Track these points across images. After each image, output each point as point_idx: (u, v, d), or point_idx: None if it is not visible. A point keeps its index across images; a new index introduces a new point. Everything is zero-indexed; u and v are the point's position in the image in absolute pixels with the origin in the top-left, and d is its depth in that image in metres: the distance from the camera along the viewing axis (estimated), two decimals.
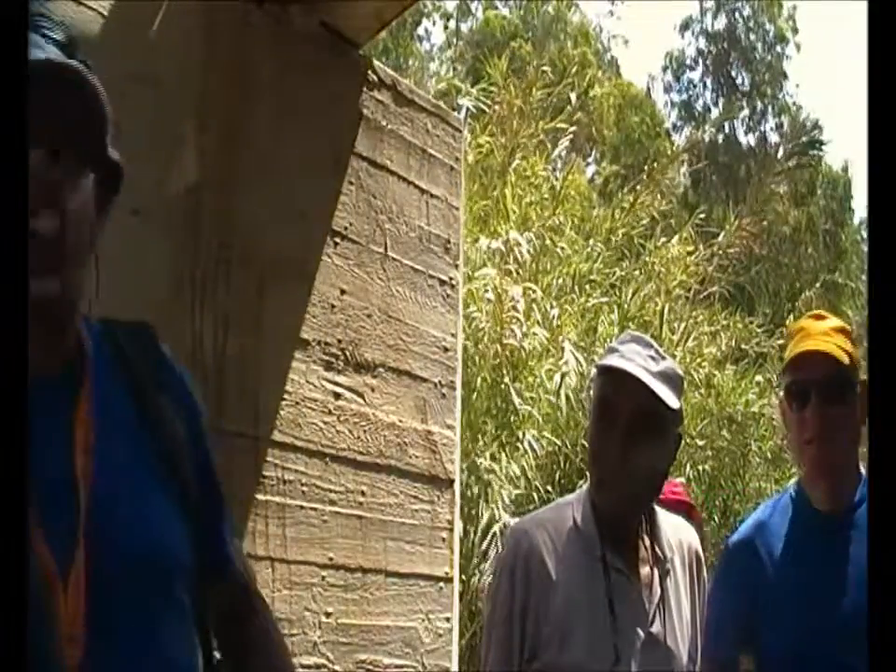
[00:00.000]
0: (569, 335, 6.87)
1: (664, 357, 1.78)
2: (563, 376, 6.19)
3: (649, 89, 19.65)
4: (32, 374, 0.98)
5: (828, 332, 1.81)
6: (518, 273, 6.57)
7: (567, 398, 6.20)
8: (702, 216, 9.84)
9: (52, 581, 0.95)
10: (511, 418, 6.09)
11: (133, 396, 1.11)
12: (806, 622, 1.75)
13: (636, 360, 1.73)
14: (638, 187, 8.92)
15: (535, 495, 6.15)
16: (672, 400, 1.72)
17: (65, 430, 1.04)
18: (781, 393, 1.92)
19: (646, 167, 9.24)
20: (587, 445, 1.87)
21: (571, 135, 9.04)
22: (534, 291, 6.54)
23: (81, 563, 0.96)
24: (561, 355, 6.32)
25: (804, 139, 15.31)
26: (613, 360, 1.75)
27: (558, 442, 6.34)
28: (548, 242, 7.37)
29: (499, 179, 7.44)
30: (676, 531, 1.89)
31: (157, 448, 1.09)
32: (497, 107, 7.79)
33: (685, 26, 19.96)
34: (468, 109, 7.29)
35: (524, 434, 6.07)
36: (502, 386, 6.06)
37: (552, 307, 6.96)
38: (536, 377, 6.35)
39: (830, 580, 1.75)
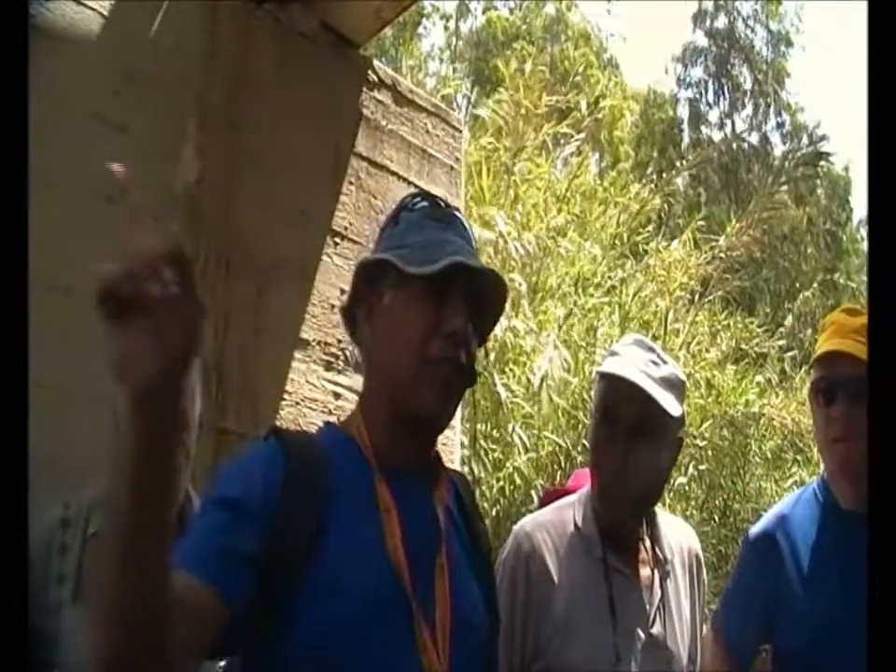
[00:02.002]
0: (571, 332, 6.86)
1: (665, 362, 1.76)
2: (544, 377, 6.13)
3: (650, 89, 19.65)
4: (404, 465, 1.33)
5: (859, 330, 1.76)
6: (505, 267, 6.53)
7: (551, 395, 6.16)
8: (702, 221, 9.83)
9: (418, 617, 1.24)
10: (500, 413, 6.06)
11: (464, 517, 1.43)
12: (826, 619, 1.73)
13: (637, 365, 1.71)
14: (652, 193, 8.89)
15: (534, 494, 6.15)
16: (674, 408, 1.71)
17: (429, 509, 1.34)
18: (810, 386, 1.88)
19: (651, 170, 9.21)
20: (589, 449, 1.86)
21: (579, 141, 9.01)
22: (521, 284, 6.50)
23: (447, 614, 1.27)
24: (546, 351, 6.28)
25: (810, 149, 15.24)
26: (615, 366, 1.73)
27: (560, 442, 6.33)
28: (549, 242, 7.36)
29: (504, 180, 7.43)
30: (676, 533, 1.89)
31: (478, 559, 1.43)
32: (506, 107, 7.77)
33: (690, 23, 19.96)
34: (477, 116, 7.27)
35: (512, 428, 6.04)
36: (487, 379, 6.03)
37: (556, 306, 6.95)
38: (524, 371, 6.30)
39: (852, 578, 1.66)
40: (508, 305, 6.53)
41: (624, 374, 1.70)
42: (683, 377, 1.82)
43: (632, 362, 1.72)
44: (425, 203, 1.43)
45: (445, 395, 1.31)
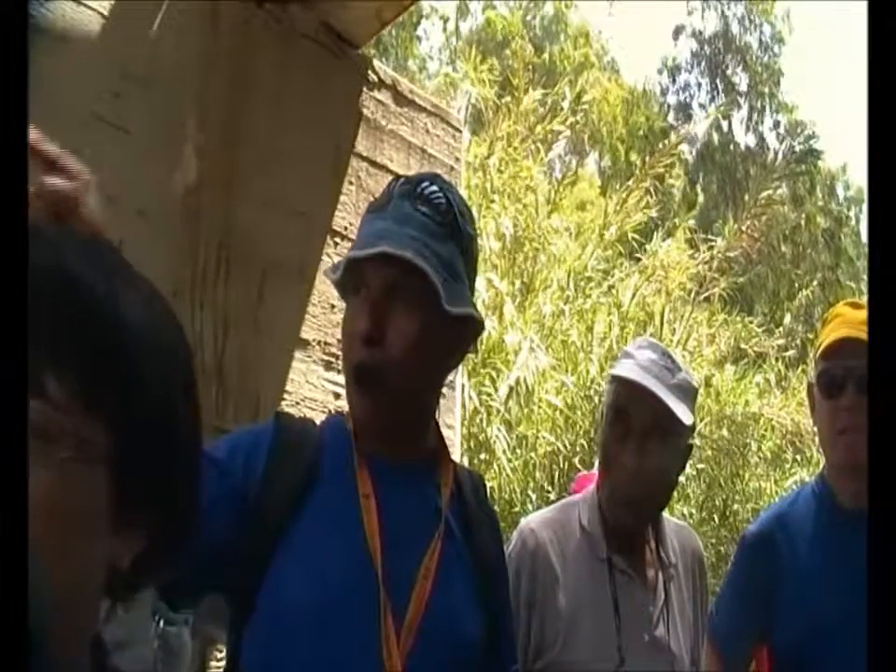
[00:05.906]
0: (569, 333, 6.86)
1: (679, 369, 1.76)
2: (517, 382, 6.12)
3: (645, 90, 19.61)
4: (389, 456, 1.33)
5: (865, 321, 1.70)
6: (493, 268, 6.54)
7: (529, 394, 6.16)
8: (701, 218, 9.82)
9: (386, 606, 1.22)
10: (479, 416, 6.06)
11: (465, 520, 1.39)
12: (824, 620, 1.71)
13: (651, 371, 1.71)
14: (636, 182, 8.88)
15: (533, 494, 6.15)
16: (686, 416, 1.71)
17: (423, 507, 1.34)
18: (813, 380, 1.82)
19: (645, 165, 9.19)
20: (599, 450, 1.85)
21: (566, 139, 9.02)
22: (500, 281, 6.50)
23: (420, 614, 1.24)
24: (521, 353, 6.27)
25: (800, 147, 15.31)
26: (630, 370, 1.73)
27: (558, 444, 6.33)
28: (547, 242, 7.36)
29: (495, 177, 7.44)
30: (680, 536, 1.89)
31: (476, 567, 1.37)
32: (500, 102, 7.80)
33: (680, 28, 19.93)
34: (469, 98, 7.29)
35: (492, 430, 6.03)
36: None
37: (544, 304, 6.96)
38: (500, 371, 6.29)
39: (850, 578, 1.59)
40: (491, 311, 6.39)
41: (639, 380, 1.69)
42: (696, 384, 1.81)
43: (646, 367, 1.72)
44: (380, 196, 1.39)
45: (365, 397, 1.32)
